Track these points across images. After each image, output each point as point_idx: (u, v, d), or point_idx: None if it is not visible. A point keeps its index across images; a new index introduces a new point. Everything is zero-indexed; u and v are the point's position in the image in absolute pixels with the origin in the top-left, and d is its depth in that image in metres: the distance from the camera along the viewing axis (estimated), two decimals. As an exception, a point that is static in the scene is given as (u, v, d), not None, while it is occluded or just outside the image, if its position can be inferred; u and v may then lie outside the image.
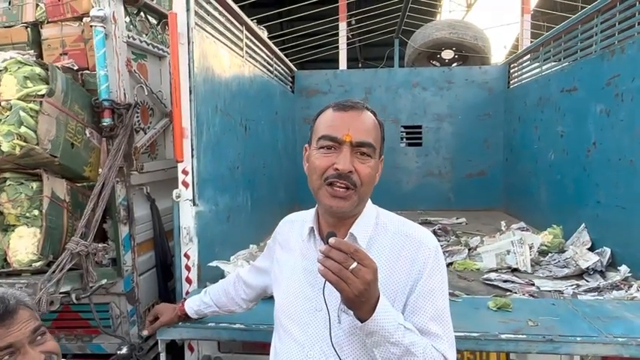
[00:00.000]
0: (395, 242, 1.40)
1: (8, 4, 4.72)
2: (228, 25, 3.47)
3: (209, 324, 2.12)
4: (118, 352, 2.60)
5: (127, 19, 2.90)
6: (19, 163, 2.24)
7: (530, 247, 3.29)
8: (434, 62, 6.61)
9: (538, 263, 3.27)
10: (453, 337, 1.37)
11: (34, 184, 2.27)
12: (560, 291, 2.66)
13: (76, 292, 2.34)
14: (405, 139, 6.06)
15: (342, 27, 9.64)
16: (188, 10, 2.58)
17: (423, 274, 1.34)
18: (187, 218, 2.60)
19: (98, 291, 2.66)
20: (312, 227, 1.47)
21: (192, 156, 2.61)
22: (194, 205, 2.62)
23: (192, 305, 2.04)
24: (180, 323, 2.09)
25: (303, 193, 5.44)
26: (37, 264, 2.20)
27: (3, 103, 2.17)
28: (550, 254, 3.40)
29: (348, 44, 10.27)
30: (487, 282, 2.92)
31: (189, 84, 2.57)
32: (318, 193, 1.38)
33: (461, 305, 2.37)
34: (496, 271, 3.14)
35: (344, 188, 1.33)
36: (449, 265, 3.32)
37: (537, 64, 4.86)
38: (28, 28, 4.36)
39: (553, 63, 4.42)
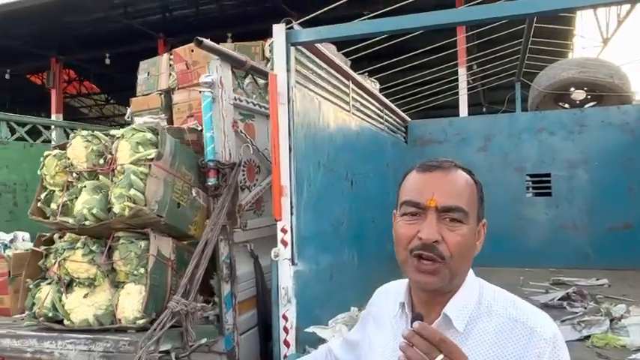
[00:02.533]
0: (501, 329, 1.15)
1: (147, 75, 5.30)
2: (333, 80, 3.48)
3: (300, 397, 1.98)
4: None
5: (235, 82, 3.03)
6: (130, 223, 2.38)
7: (694, 322, 2.69)
8: (562, 104, 6.05)
9: None
10: None
11: (143, 243, 2.38)
12: None
13: (176, 351, 2.36)
14: (531, 189, 5.53)
15: (462, 72, 9.39)
16: (288, 70, 2.62)
17: None
18: (286, 278, 2.54)
19: (201, 349, 2.68)
20: (403, 303, 1.29)
21: (292, 214, 2.58)
22: (293, 264, 2.56)
23: None
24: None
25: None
26: (141, 321, 2.27)
27: (118, 168, 2.34)
28: None
29: (469, 89, 9.95)
30: (635, 365, 2.41)
31: (289, 142, 2.58)
32: (404, 266, 1.21)
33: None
34: (648, 350, 2.60)
35: (431, 261, 1.14)
36: (585, 338, 2.82)
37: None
38: (162, 95, 4.85)
39: None
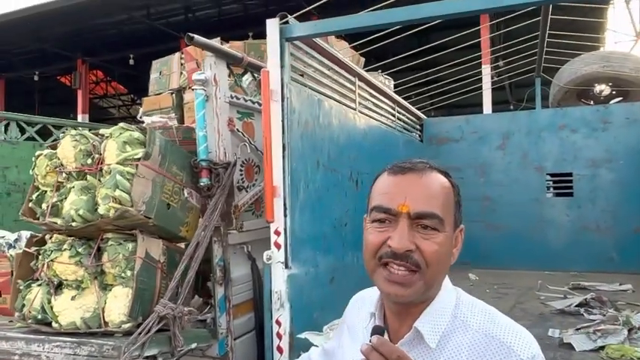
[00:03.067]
0: (475, 346, 1.04)
1: (159, 74, 5.30)
2: (337, 77, 3.38)
3: (283, 408, 1.89)
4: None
5: (232, 79, 2.96)
6: (117, 224, 2.33)
7: None
8: (585, 101, 5.79)
9: None
10: None
11: (131, 245, 2.33)
12: None
13: (164, 356, 2.30)
14: (551, 189, 5.31)
15: (486, 70, 9.13)
16: (282, 66, 2.53)
17: None
18: (279, 282, 2.46)
19: (195, 353, 2.62)
20: (373, 313, 1.19)
21: (285, 215, 2.49)
22: (286, 267, 2.47)
23: None
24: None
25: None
26: (127, 325, 2.21)
27: (105, 168, 2.29)
28: None
29: (494, 86, 9.67)
30: (652, 379, 2.24)
31: (283, 141, 2.49)
32: (373, 276, 1.10)
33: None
34: (667, 363, 2.41)
35: (404, 271, 1.03)
36: (599, 349, 2.65)
37: None
38: (173, 94, 4.83)
39: None
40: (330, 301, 2.93)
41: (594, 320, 3.09)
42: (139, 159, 2.29)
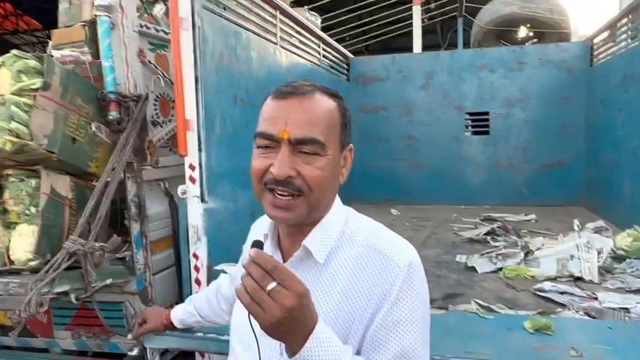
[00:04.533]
0: (359, 258, 1.11)
1: (68, 4, 4.87)
2: (256, 9, 3.27)
3: (197, 334, 1.94)
4: (129, 354, 2.52)
5: (142, 7, 2.79)
6: (18, 160, 2.20)
7: (599, 253, 2.78)
8: (504, 42, 5.99)
9: (610, 271, 2.76)
10: None
11: (34, 181, 2.21)
12: (627, 309, 2.18)
13: (77, 292, 2.27)
14: (470, 128, 5.55)
15: (416, 11, 9.13)
16: (193, -8, 2.40)
17: (387, 300, 1.04)
18: (195, 216, 2.44)
19: (113, 289, 2.59)
20: (267, 234, 1.23)
21: (200, 150, 2.44)
22: (202, 201, 2.45)
23: (178, 314, 1.88)
24: (167, 332, 1.93)
25: (362, 188, 5.20)
26: (34, 263, 2.14)
27: (-1, 99, 2.13)
28: (627, 260, 2.85)
29: (427, 30, 9.71)
30: (539, 293, 2.48)
31: (195, 73, 2.40)
32: (260, 201, 1.13)
33: (492, 324, 1.99)
34: (554, 279, 2.68)
35: (287, 196, 1.06)
36: (498, 270, 2.89)
37: (624, 36, 4.17)
38: (86, 27, 4.48)
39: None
40: (250, 235, 2.97)
41: (497, 246, 3.35)
42: (36, 89, 2.14)
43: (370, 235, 1.15)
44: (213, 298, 1.74)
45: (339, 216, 1.19)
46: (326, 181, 1.09)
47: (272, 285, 0.88)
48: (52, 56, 4.12)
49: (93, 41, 4.76)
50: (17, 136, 2.08)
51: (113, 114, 2.46)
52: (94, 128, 2.44)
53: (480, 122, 5.46)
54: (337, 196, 1.21)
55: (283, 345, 1.04)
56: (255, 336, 1.03)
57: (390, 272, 1.06)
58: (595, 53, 4.95)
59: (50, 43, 4.92)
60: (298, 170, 1.06)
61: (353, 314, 1.06)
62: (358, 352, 1.05)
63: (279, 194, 1.07)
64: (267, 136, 1.07)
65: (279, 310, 0.87)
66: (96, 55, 4.47)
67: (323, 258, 1.12)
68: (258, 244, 0.99)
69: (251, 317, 0.94)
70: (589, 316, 2.14)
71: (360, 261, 1.10)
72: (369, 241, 1.13)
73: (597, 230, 3.50)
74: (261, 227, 1.38)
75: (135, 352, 2.50)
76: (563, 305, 2.29)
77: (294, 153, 1.06)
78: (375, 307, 1.05)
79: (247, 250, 1.40)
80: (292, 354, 0.93)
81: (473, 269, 2.96)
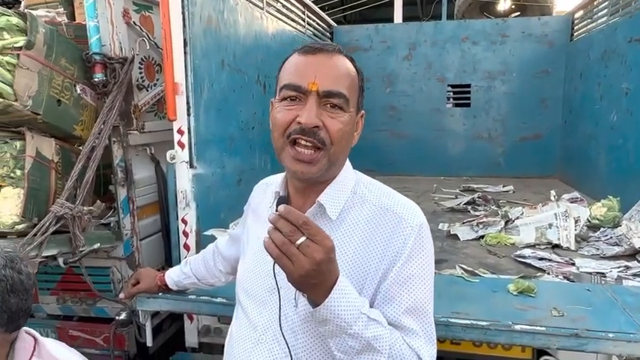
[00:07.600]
0: (372, 217, 1.16)
1: (42, -37, 4.66)
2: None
3: (190, 296, 1.96)
4: (117, 318, 2.53)
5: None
6: (1, 121, 2.14)
7: (576, 221, 2.88)
8: (487, 14, 6.00)
9: (585, 239, 2.86)
10: (434, 334, 1.12)
11: (18, 143, 2.16)
12: (602, 273, 2.28)
13: (65, 257, 2.26)
14: (451, 100, 5.60)
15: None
16: (182, -48, 2.33)
17: (401, 257, 1.10)
18: (184, 181, 2.43)
19: (99, 254, 2.58)
20: (278, 192, 1.25)
21: (189, 114, 2.42)
22: (191, 167, 2.44)
23: (173, 276, 1.89)
24: (160, 294, 1.94)
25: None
26: (20, 226, 2.11)
27: (-21, 57, 2.05)
28: (602, 229, 2.97)
29: (406, 2, 9.63)
30: (519, 259, 2.57)
31: (184, 35, 2.35)
32: (281, 155, 1.15)
33: (477, 287, 2.07)
34: (533, 246, 2.78)
35: (310, 149, 1.09)
36: (479, 238, 2.98)
37: (605, 11, 4.23)
38: (61, -14, 4.30)
39: (624, 10, 3.80)
40: (237, 201, 2.95)
41: (478, 215, 3.44)
42: (20, 48, 2.07)
43: (382, 196, 1.19)
44: (210, 260, 1.76)
45: (350, 176, 1.23)
46: (345, 137, 1.13)
47: (302, 239, 0.90)
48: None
49: (68, 2, 4.59)
50: (1, 96, 2.02)
51: (98, 76, 2.41)
52: (79, 90, 2.38)
53: (461, 94, 5.50)
54: (348, 160, 1.24)
55: (299, 297, 1.08)
56: (278, 289, 1.06)
57: (402, 231, 1.11)
58: (575, 28, 5.01)
59: (23, 3, 4.72)
60: (324, 122, 1.09)
61: (366, 271, 1.11)
62: (371, 307, 1.09)
63: (302, 145, 1.08)
64: (295, 88, 1.09)
65: (309, 263, 0.89)
66: (72, 16, 4.32)
67: (335, 214, 1.16)
68: (284, 200, 1.01)
69: (276, 270, 0.97)
70: (568, 279, 2.23)
71: (374, 220, 1.15)
72: (380, 201, 1.17)
73: (573, 201, 3.62)
74: (266, 186, 1.40)
75: (123, 315, 2.52)
76: (542, 270, 2.38)
77: (320, 106, 1.09)
78: (389, 264, 1.09)
79: (250, 209, 1.42)
80: (315, 305, 0.96)
81: (455, 237, 3.04)
